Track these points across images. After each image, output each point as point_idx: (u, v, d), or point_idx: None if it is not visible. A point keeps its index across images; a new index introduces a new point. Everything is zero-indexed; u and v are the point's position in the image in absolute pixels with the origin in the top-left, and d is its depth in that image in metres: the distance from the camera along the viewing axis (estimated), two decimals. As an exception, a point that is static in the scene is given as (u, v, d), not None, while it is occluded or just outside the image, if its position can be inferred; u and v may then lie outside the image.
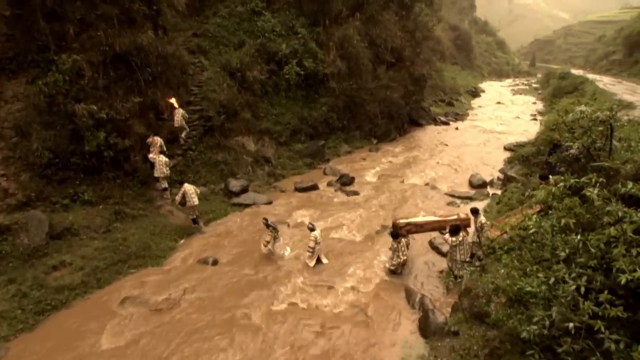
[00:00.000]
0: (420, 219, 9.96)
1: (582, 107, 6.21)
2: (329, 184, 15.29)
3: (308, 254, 9.97)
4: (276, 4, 20.01)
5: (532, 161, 15.80)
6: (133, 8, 13.47)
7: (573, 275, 3.85)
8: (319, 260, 10.08)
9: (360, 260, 10.18)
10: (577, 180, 4.63)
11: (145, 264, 10.15)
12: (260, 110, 17.52)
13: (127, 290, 9.08)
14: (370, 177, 16.55)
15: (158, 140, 13.31)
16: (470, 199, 14.35)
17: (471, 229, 9.67)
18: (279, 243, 10.53)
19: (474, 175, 16.34)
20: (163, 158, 12.91)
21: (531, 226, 4.55)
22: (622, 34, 52.88)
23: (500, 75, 70.33)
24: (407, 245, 9.65)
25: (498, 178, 16.57)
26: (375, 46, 21.86)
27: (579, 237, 4.10)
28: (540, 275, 4.13)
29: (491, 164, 18.83)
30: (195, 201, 11.92)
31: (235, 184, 13.86)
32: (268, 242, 10.33)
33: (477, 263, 9.62)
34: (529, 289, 4.21)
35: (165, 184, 13.12)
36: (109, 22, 12.83)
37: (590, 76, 38.94)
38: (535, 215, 4.77)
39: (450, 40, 54.58)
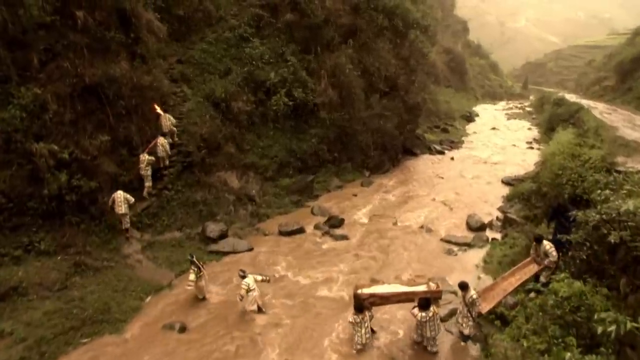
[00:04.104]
0: (385, 289, 8.71)
1: (630, 206, 5.14)
2: (317, 227, 14.13)
3: (239, 301, 9.31)
4: (266, 30, 19.16)
5: (532, 202, 14.91)
6: (107, 36, 12.46)
7: None
8: (259, 309, 9.52)
9: (347, 327, 9.00)
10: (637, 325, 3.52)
11: (102, 330, 8.85)
12: (245, 142, 16.44)
13: (75, 368, 7.81)
14: (361, 217, 15.42)
15: (160, 140, 13.06)
16: (469, 245, 13.30)
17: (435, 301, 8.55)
18: (202, 283, 9.94)
19: (471, 216, 15.32)
20: (146, 157, 12.55)
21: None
22: (613, 60, 53.04)
23: (493, 97, 70.28)
24: (371, 318, 8.43)
25: (497, 218, 15.61)
26: (369, 74, 21.03)
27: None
28: None
29: (489, 201, 17.89)
30: (122, 210, 11.33)
31: (213, 229, 12.65)
32: (193, 283, 9.75)
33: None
34: None
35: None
36: (78, 52, 11.80)
37: (584, 102, 38.49)
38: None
39: (444, 63, 54.35)
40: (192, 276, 9.67)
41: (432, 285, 8.47)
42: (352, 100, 19.94)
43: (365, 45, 21.22)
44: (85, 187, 10.98)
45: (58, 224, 10.85)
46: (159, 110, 13.74)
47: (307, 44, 19.49)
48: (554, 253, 8.54)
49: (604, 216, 5.53)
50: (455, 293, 10.17)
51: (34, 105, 10.88)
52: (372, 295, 8.37)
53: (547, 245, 8.87)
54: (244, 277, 9.31)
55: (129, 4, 13.30)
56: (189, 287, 9.83)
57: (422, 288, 8.44)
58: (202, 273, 9.92)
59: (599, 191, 5.87)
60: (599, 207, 5.67)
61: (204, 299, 10.04)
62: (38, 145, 10.39)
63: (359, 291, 8.43)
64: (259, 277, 9.61)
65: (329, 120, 18.97)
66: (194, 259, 9.87)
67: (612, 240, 5.30)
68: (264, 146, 17.04)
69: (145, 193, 12.82)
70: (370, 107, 21.00)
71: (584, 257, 6.60)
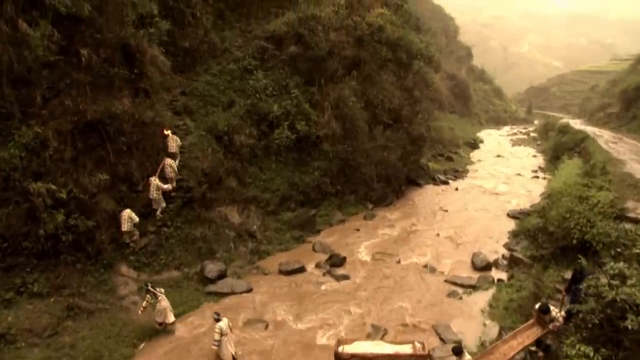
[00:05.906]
0: (368, 347, 8.22)
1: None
2: (317, 265, 13.78)
3: (214, 348, 8.99)
4: (270, 62, 19.28)
5: (539, 242, 14.52)
6: (110, 72, 12.52)
7: None
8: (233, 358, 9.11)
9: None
10: None
11: (92, 383, 8.51)
12: (247, 176, 16.29)
13: None
14: (363, 254, 15.06)
15: (167, 161, 13.14)
16: (474, 287, 12.90)
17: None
18: (165, 304, 10.05)
19: (476, 254, 14.93)
20: (155, 181, 12.54)
21: None
22: (616, 86, 53.18)
23: (497, 122, 70.47)
24: None
25: (503, 256, 15.25)
26: (372, 106, 21.01)
27: None
28: None
29: (495, 236, 17.53)
30: (125, 227, 11.71)
31: (211, 269, 12.34)
32: (144, 308, 10.17)
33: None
34: None
35: (163, 204, 12.99)
36: (81, 89, 11.82)
37: (589, 129, 38.41)
38: None
39: (448, 89, 54.65)
40: (144, 303, 10.10)
41: (418, 346, 8.07)
42: (356, 133, 19.87)
43: (369, 77, 21.30)
44: (82, 227, 10.78)
45: (53, 264, 10.62)
46: (167, 131, 13.89)
47: (310, 76, 19.57)
48: (561, 319, 8.14)
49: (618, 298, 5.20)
50: (459, 342, 9.72)
51: (34, 143, 10.82)
52: (354, 356, 7.95)
53: (553, 312, 8.42)
54: (218, 320, 9.05)
55: (134, 40, 13.43)
56: (141, 311, 10.17)
57: (407, 349, 8.03)
58: (160, 297, 10.03)
59: (612, 263, 5.56)
60: (614, 292, 5.35)
61: (164, 325, 10.15)
62: (36, 185, 10.26)
63: (340, 349, 8.00)
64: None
65: (332, 152, 18.87)
66: (150, 288, 10.13)
67: (630, 327, 4.97)
68: (266, 179, 16.88)
69: (158, 213, 12.98)
70: (374, 139, 20.90)
71: (596, 321, 6.24)
